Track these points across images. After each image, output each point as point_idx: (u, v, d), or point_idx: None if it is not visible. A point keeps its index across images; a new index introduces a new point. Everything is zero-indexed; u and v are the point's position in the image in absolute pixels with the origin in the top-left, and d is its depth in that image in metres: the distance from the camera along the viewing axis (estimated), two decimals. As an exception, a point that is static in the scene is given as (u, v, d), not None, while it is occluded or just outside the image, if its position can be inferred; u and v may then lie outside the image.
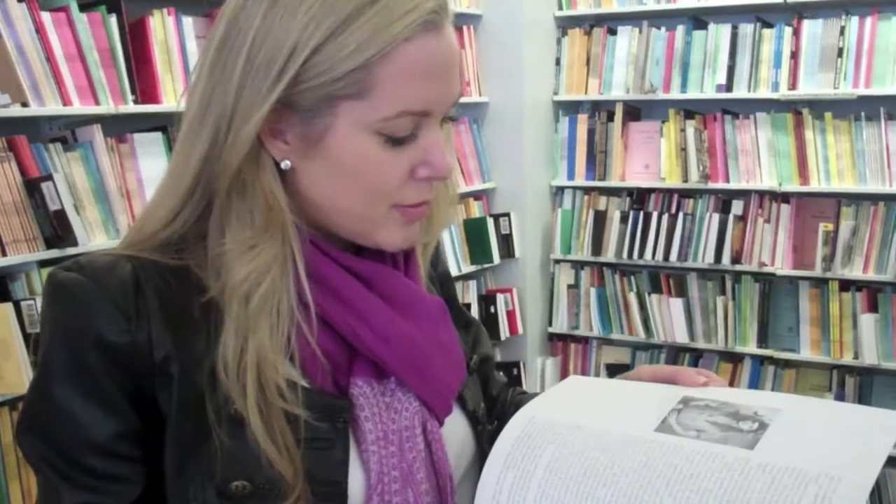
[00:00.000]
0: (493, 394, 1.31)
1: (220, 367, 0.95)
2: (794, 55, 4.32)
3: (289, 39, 0.93)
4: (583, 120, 4.88)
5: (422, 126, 0.98)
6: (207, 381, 0.95)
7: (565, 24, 4.90)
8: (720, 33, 4.50)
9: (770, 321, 4.53)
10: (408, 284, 1.07)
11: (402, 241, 1.03)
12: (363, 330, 1.00)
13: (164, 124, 3.25)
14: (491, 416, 1.21)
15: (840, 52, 4.23)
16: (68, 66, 3.01)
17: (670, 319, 4.69)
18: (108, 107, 3.09)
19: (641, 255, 4.70)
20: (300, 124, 0.96)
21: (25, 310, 2.81)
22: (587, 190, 4.92)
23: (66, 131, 3.12)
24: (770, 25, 4.40)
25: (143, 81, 3.23)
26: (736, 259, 4.51)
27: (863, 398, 4.37)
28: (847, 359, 4.35)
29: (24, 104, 2.87)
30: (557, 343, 5.11)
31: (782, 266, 4.44)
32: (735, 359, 4.66)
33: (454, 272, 4.50)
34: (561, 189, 4.98)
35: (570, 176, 4.94)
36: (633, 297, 4.79)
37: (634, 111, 4.85)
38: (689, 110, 4.61)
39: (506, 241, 4.81)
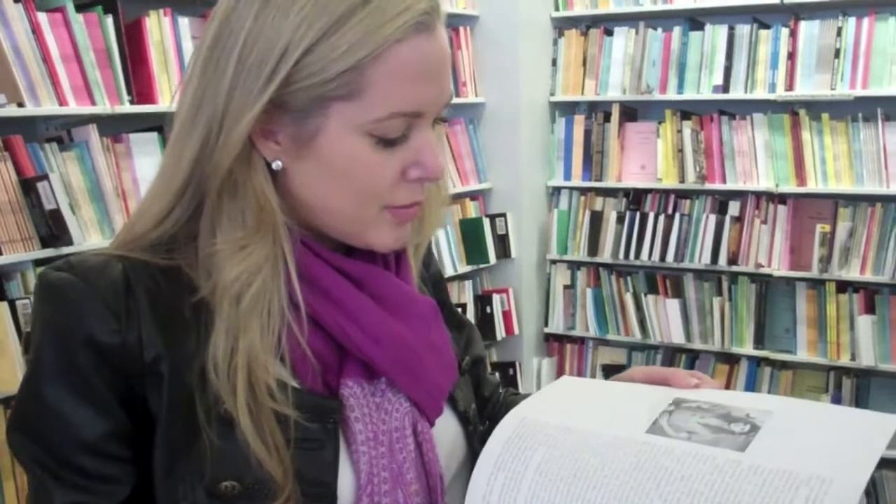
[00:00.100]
0: (485, 395, 1.31)
1: (211, 367, 0.95)
2: (791, 56, 4.32)
3: (280, 40, 0.93)
4: (579, 120, 4.88)
5: (413, 127, 0.98)
6: (197, 381, 0.95)
7: (562, 25, 4.90)
8: (717, 34, 4.50)
9: (767, 322, 4.53)
10: (399, 285, 1.07)
11: (393, 242, 1.03)
12: (354, 330, 1.00)
13: (159, 124, 3.25)
14: (483, 417, 1.21)
15: (837, 53, 4.23)
16: (64, 67, 3.01)
17: (667, 320, 4.69)
18: (104, 107, 3.10)
19: (638, 255, 4.70)
20: (292, 125, 0.96)
21: (21, 309, 2.82)
22: (583, 190, 4.92)
23: (62, 131, 3.13)
24: (767, 26, 4.40)
25: (139, 82, 3.23)
26: (732, 260, 4.51)
27: (860, 400, 4.37)
28: (844, 360, 4.35)
29: (20, 104, 2.88)
30: (553, 343, 5.11)
31: (779, 267, 4.44)
32: (731, 360, 4.66)
33: (450, 272, 4.51)
34: (557, 189, 4.98)
35: (567, 176, 4.94)
36: (629, 298, 4.79)
37: (631, 112, 4.85)
38: (686, 111, 4.61)
39: (502, 242, 4.81)
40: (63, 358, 0.95)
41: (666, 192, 4.71)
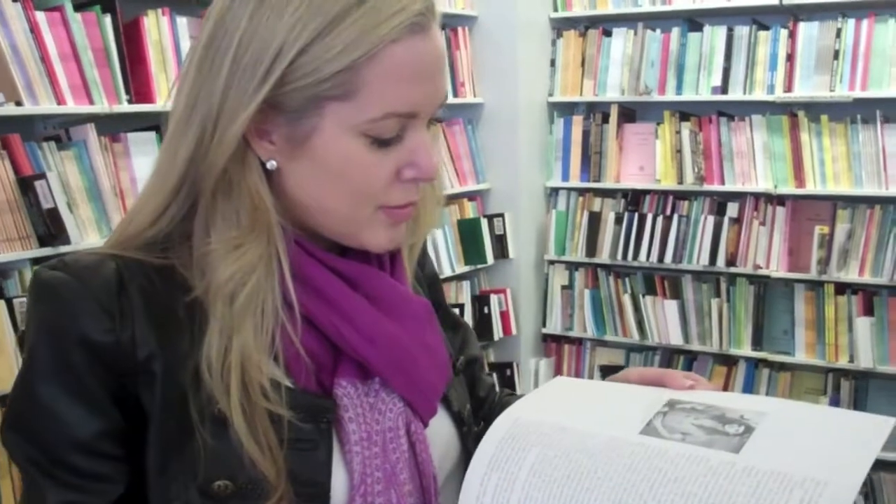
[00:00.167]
0: (480, 395, 1.31)
1: (204, 366, 0.95)
2: (790, 57, 4.32)
3: (275, 40, 0.93)
4: (578, 121, 4.88)
5: (408, 127, 0.98)
6: (191, 380, 0.95)
7: (560, 26, 4.90)
8: (715, 35, 4.49)
9: (765, 324, 4.53)
10: (393, 285, 1.07)
11: (387, 243, 1.03)
12: (348, 330, 1.00)
13: (157, 124, 3.25)
14: (478, 418, 1.21)
15: (836, 55, 4.23)
16: (62, 66, 3.02)
17: (665, 321, 4.69)
18: (102, 106, 3.10)
19: (636, 256, 4.70)
20: (286, 125, 0.96)
21: (18, 307, 2.83)
22: (582, 191, 4.92)
23: (59, 130, 3.13)
24: (766, 27, 4.40)
25: (137, 81, 3.24)
26: (731, 261, 4.50)
27: (858, 402, 4.37)
28: (842, 362, 4.34)
29: (18, 103, 2.89)
30: (551, 344, 5.11)
31: (777, 269, 4.44)
32: (730, 361, 4.65)
33: (448, 273, 4.51)
34: (555, 190, 4.98)
35: (565, 177, 4.94)
36: (627, 299, 4.79)
37: (629, 113, 4.85)
38: (685, 112, 4.61)
39: (500, 242, 4.81)
40: (57, 357, 0.95)
41: (664, 193, 4.71)
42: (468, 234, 4.70)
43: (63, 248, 2.91)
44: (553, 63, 4.91)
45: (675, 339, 4.67)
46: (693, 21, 4.59)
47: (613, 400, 1.04)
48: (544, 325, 5.05)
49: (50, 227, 2.90)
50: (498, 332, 4.80)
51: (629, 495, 0.87)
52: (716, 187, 4.55)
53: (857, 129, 4.21)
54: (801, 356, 4.45)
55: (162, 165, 1.01)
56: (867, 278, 4.26)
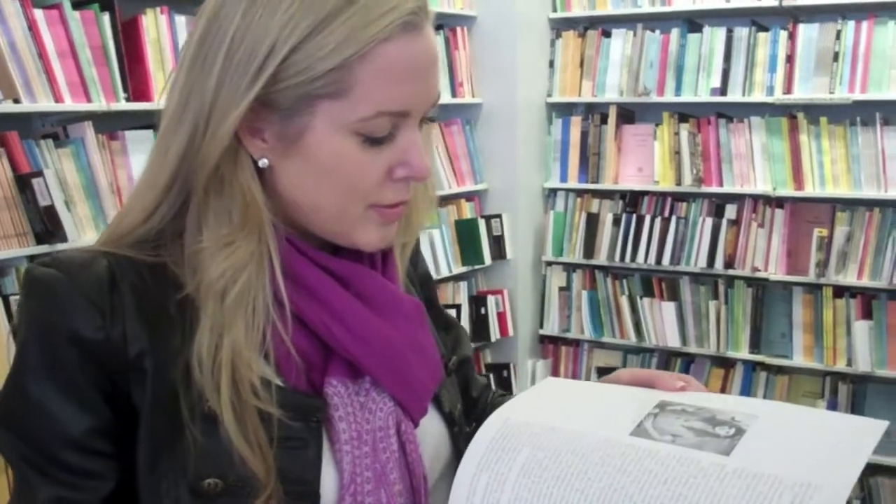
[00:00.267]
0: (473, 396, 1.31)
1: (195, 363, 0.95)
2: (790, 59, 4.32)
3: (268, 38, 0.93)
4: (576, 122, 4.88)
5: (400, 127, 0.98)
6: (182, 377, 0.95)
7: (559, 26, 4.90)
8: (715, 36, 4.49)
9: (763, 327, 4.52)
10: (385, 284, 1.06)
11: (378, 241, 1.03)
12: (339, 329, 1.00)
13: (155, 122, 3.24)
14: (470, 419, 1.21)
15: (836, 57, 4.23)
16: (60, 63, 3.02)
17: (662, 323, 4.68)
18: (99, 104, 3.10)
19: (634, 258, 4.69)
20: (278, 123, 0.96)
21: (14, 304, 2.82)
22: (580, 192, 4.92)
23: (57, 128, 3.14)
24: (765, 29, 4.40)
25: (135, 79, 3.24)
26: (729, 263, 4.50)
27: (856, 406, 4.36)
28: (840, 366, 4.34)
29: (16, 100, 2.89)
30: (548, 345, 5.11)
31: (776, 271, 4.43)
32: (727, 364, 4.65)
33: (445, 273, 4.51)
34: (553, 191, 4.97)
35: (563, 178, 4.94)
36: (624, 301, 4.78)
37: (628, 114, 4.85)
38: (683, 113, 4.61)
39: (497, 243, 4.80)
40: (48, 354, 0.95)
41: (663, 195, 4.71)
42: (465, 235, 4.69)
43: (60, 246, 2.91)
44: (552, 63, 4.91)
45: (673, 341, 4.66)
46: (692, 22, 4.58)
47: (604, 401, 1.04)
48: (541, 326, 5.05)
49: (47, 225, 2.90)
50: (495, 333, 4.79)
51: (619, 496, 0.87)
52: (714, 189, 4.55)
53: (856, 131, 4.21)
54: (798, 359, 4.45)
55: (154, 162, 1.01)
56: (866, 281, 4.26)
